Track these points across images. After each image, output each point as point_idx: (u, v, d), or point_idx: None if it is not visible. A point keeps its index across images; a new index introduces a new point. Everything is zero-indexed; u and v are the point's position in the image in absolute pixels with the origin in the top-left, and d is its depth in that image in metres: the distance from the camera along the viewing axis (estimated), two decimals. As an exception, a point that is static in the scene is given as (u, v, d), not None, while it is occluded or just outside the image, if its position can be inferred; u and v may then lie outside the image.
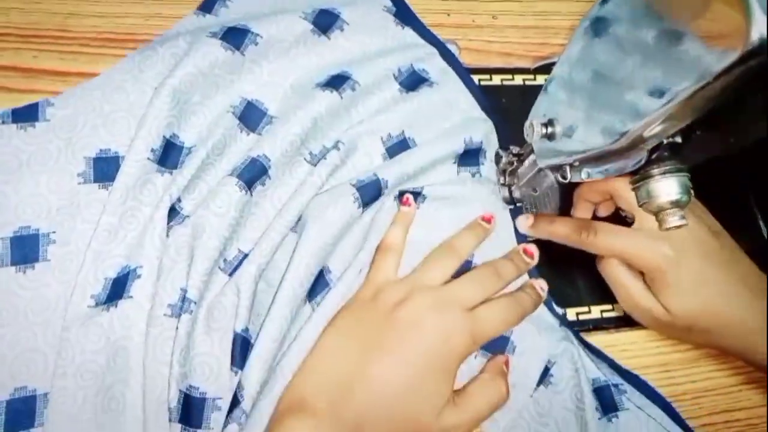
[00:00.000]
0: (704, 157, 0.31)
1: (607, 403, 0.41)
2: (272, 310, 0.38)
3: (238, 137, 0.42)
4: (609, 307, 0.45)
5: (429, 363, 0.36)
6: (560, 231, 0.42)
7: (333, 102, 0.43)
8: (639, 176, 0.32)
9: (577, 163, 0.35)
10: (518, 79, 0.50)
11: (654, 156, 0.31)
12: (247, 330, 0.38)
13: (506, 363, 0.40)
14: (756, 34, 0.22)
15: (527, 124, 0.36)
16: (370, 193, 0.41)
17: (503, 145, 0.46)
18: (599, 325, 0.45)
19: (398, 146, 0.44)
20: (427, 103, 0.45)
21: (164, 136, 0.40)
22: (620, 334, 0.45)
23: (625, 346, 0.44)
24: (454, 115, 0.46)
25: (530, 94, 0.49)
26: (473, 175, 0.45)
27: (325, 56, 0.45)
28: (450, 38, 0.49)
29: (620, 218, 0.43)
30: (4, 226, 0.38)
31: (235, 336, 0.38)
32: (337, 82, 0.44)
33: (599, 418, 0.40)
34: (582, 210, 0.45)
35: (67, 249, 0.39)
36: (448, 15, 0.51)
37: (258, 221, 0.41)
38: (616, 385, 0.41)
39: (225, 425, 0.36)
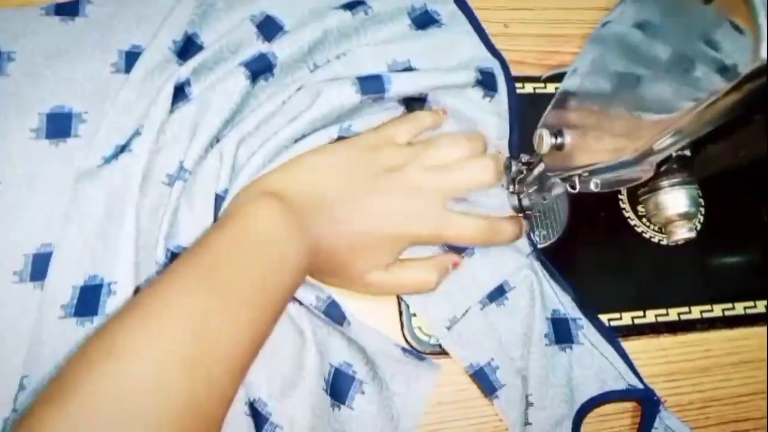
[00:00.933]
0: (714, 170, 0.31)
1: (562, 334, 0.43)
2: (256, 155, 0.41)
3: (254, 43, 0.45)
4: (617, 315, 0.45)
5: (387, 232, 0.39)
6: None
7: (344, 20, 0.45)
8: (648, 188, 0.32)
9: (586, 174, 0.35)
10: (528, 88, 0.50)
11: (663, 168, 0.31)
12: (226, 191, 0.41)
13: (454, 264, 0.43)
14: (764, 52, 0.22)
15: (536, 134, 0.36)
16: (371, 86, 0.43)
17: (513, 153, 0.47)
18: (629, 332, 0.45)
19: (403, 72, 0.46)
20: (434, 42, 0.47)
21: (186, 32, 0.44)
22: (628, 342, 0.45)
23: (633, 355, 0.44)
24: (460, 54, 0.48)
25: (540, 102, 0.49)
26: (484, 97, 0.47)
27: None
28: (462, 46, 0.49)
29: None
30: (41, 103, 0.41)
31: (216, 197, 0.41)
32: (352, 5, 0.46)
33: (547, 345, 0.42)
34: None
35: (96, 128, 0.42)
36: (460, 23, 0.51)
37: (254, 114, 0.44)
38: (574, 320, 0.43)
39: None
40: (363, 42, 0.46)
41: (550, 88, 0.50)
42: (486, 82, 0.47)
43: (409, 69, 0.46)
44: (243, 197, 0.39)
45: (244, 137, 0.42)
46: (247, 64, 0.43)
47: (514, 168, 0.44)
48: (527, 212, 0.45)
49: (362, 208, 0.39)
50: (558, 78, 0.50)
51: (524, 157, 0.44)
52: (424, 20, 0.48)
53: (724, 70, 0.23)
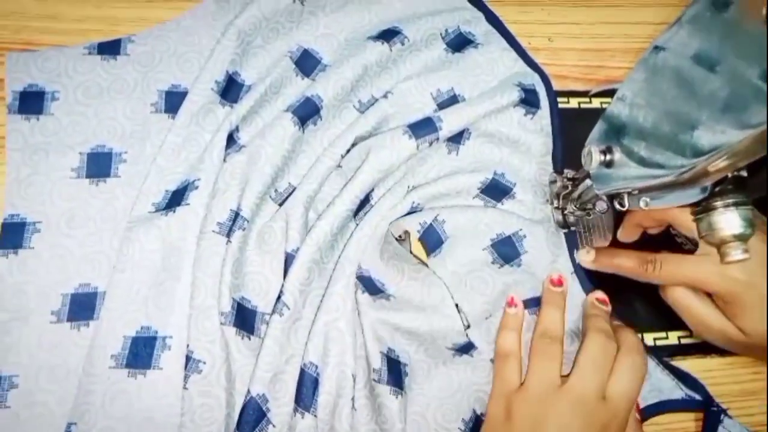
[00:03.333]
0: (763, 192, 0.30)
1: None
2: (317, 225, 0.42)
3: (294, 80, 0.46)
4: (663, 335, 0.45)
5: None
6: (624, 264, 0.42)
7: (383, 53, 0.46)
8: (701, 207, 0.32)
9: (636, 192, 0.35)
10: (573, 102, 0.50)
11: (718, 189, 0.31)
12: (297, 249, 0.41)
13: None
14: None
15: (585, 150, 0.36)
16: (423, 130, 0.44)
17: (558, 168, 0.46)
18: (675, 352, 0.45)
19: (448, 101, 0.47)
20: (473, 63, 0.48)
21: (227, 71, 0.45)
22: (673, 362, 0.44)
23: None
24: (501, 73, 0.48)
25: (585, 117, 0.49)
26: (525, 114, 0.47)
27: (379, 13, 0.49)
28: (505, 61, 0.50)
29: (671, 240, 0.43)
30: (83, 143, 0.43)
31: (287, 256, 0.41)
32: (387, 35, 0.47)
33: None
34: (629, 232, 0.45)
35: (136, 168, 0.43)
36: (504, 37, 0.51)
37: (308, 158, 0.45)
38: None
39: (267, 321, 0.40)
40: (403, 72, 0.47)
41: (596, 102, 0.50)
42: (528, 99, 0.47)
43: (454, 97, 0.47)
44: None
45: (310, 196, 0.43)
46: (295, 110, 0.44)
47: (558, 184, 0.44)
48: (571, 228, 0.45)
49: None
50: (605, 94, 0.49)
51: (569, 173, 0.44)
52: (458, 42, 0.49)
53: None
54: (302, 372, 0.39)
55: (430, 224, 0.44)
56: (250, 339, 0.40)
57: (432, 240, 0.44)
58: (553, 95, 0.48)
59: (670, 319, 0.42)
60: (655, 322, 0.46)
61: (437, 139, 0.44)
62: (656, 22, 0.52)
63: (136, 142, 0.43)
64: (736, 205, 0.31)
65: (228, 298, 0.40)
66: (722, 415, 0.41)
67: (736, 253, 0.31)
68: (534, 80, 0.48)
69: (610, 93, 0.49)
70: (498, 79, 0.48)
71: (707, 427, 0.41)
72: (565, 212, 0.45)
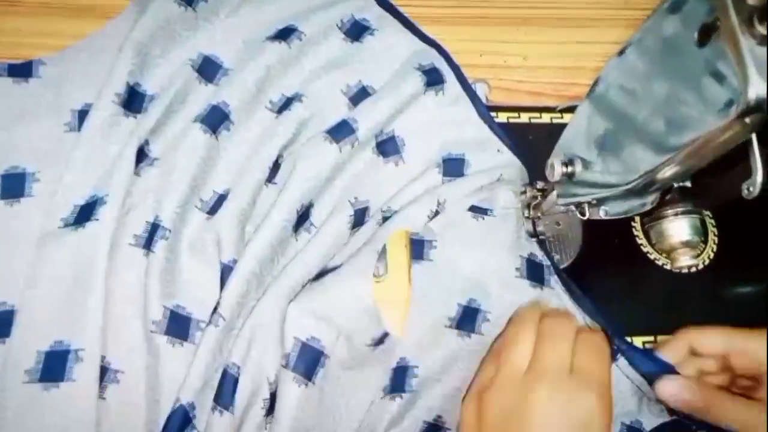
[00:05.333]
0: (715, 202, 0.32)
1: None
2: (255, 238, 0.42)
3: (198, 87, 0.47)
4: (628, 340, 0.46)
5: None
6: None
7: (282, 51, 0.48)
8: (653, 216, 0.34)
9: (594, 201, 0.37)
10: (545, 118, 0.52)
11: (667, 197, 0.33)
12: (235, 261, 0.42)
13: None
14: (753, 93, 0.24)
15: (548, 163, 0.38)
16: (341, 132, 0.46)
17: (530, 180, 0.48)
18: None
19: (359, 94, 0.49)
20: (372, 52, 0.50)
21: (127, 82, 0.45)
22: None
23: None
24: (401, 54, 0.50)
25: (557, 132, 0.50)
26: (436, 93, 0.49)
27: (273, 13, 0.50)
28: (481, 77, 0.52)
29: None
30: None
31: (223, 267, 0.42)
32: (284, 34, 0.49)
33: None
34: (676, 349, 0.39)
35: (51, 187, 0.43)
36: (480, 55, 0.53)
37: (228, 164, 0.46)
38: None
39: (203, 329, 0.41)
40: (306, 67, 0.49)
41: (567, 118, 0.52)
42: (432, 79, 0.49)
43: (363, 89, 0.49)
44: None
45: (244, 209, 0.44)
46: (203, 120, 0.45)
47: (528, 194, 0.46)
48: (541, 237, 0.47)
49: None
50: (573, 109, 0.51)
51: (539, 184, 0.46)
52: (355, 30, 0.51)
53: (715, 109, 0.25)
54: (224, 372, 0.40)
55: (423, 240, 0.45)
56: (182, 345, 0.41)
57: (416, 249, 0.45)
58: (452, 62, 0.51)
59: (648, 325, 0.44)
60: (628, 328, 0.46)
61: (357, 140, 0.46)
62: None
63: (50, 162, 0.44)
64: (685, 213, 0.33)
65: (158, 307, 0.41)
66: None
67: (684, 258, 0.33)
68: (431, 56, 0.50)
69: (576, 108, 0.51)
70: (400, 62, 0.50)
71: None
72: (536, 222, 0.47)
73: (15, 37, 0.48)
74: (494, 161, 0.49)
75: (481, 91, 0.51)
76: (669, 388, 0.37)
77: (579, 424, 0.32)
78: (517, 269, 0.44)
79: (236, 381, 0.40)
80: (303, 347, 0.40)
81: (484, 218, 0.46)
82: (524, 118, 0.52)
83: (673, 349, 0.39)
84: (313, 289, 0.43)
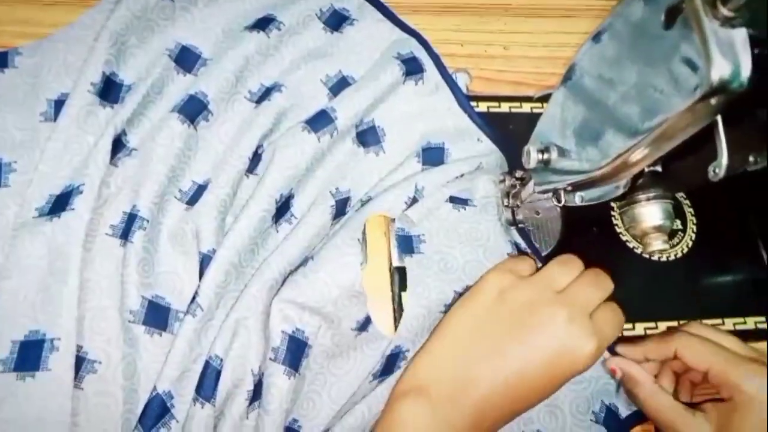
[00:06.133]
0: (685, 186, 0.33)
1: None
2: (234, 228, 0.42)
3: (176, 78, 0.47)
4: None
5: (559, 370, 0.36)
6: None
7: (261, 41, 0.48)
8: (626, 201, 0.34)
9: (569, 188, 0.37)
10: (526, 107, 0.52)
11: (639, 182, 0.33)
12: (214, 251, 0.42)
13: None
14: (716, 75, 0.24)
15: (524, 150, 0.39)
16: (320, 122, 0.46)
17: (510, 169, 0.49)
18: None
19: (339, 84, 0.49)
20: (352, 42, 0.50)
21: (103, 72, 0.45)
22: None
23: None
24: (380, 44, 0.50)
25: (536, 121, 0.51)
26: (416, 83, 0.49)
27: (252, 2, 0.50)
28: (462, 67, 0.52)
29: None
30: None
31: (203, 257, 0.42)
32: (263, 23, 0.48)
33: None
34: (664, 351, 0.41)
35: (26, 177, 0.43)
36: (462, 45, 0.54)
37: (207, 154, 0.46)
38: None
39: (181, 318, 0.41)
40: (287, 57, 0.49)
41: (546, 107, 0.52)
42: (411, 68, 0.49)
43: (343, 79, 0.49)
44: (391, 398, 0.38)
45: (224, 200, 0.44)
46: (180, 110, 0.45)
47: (507, 182, 0.46)
48: (520, 225, 0.47)
49: (515, 365, 0.36)
50: (550, 98, 0.52)
51: (518, 173, 0.46)
52: (335, 20, 0.51)
53: (682, 91, 0.26)
54: (207, 364, 0.40)
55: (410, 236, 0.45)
56: (161, 336, 0.41)
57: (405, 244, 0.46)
58: (432, 51, 0.51)
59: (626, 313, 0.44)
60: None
61: (336, 130, 0.46)
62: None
63: (25, 152, 0.44)
64: (657, 198, 0.33)
65: (136, 297, 0.41)
66: None
67: (656, 243, 0.33)
68: (411, 45, 0.50)
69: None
70: (379, 51, 0.50)
71: None
72: (515, 210, 0.47)
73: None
74: (474, 150, 0.49)
75: (462, 80, 0.52)
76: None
77: (569, 357, 0.35)
78: (509, 254, 0.45)
79: (218, 373, 0.40)
80: (290, 340, 0.41)
81: (465, 209, 0.46)
82: (504, 107, 0.52)
83: (660, 350, 0.40)
84: (294, 280, 0.43)
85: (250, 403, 0.40)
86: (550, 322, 0.36)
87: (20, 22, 0.48)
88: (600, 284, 0.38)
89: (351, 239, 0.43)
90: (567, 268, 0.39)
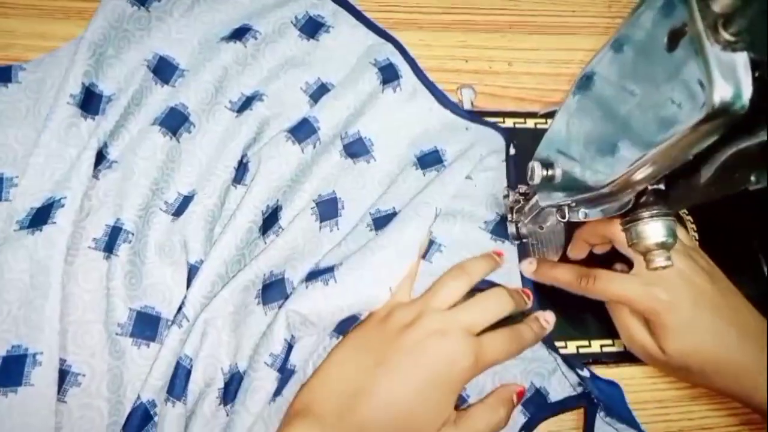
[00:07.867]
0: (688, 203, 0.33)
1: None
2: (221, 239, 0.43)
3: (154, 89, 0.47)
4: (609, 342, 0.47)
5: (432, 384, 0.38)
6: (562, 277, 0.45)
7: (238, 51, 0.48)
8: (629, 218, 0.34)
9: (574, 204, 0.37)
10: (530, 123, 0.53)
11: (642, 200, 0.33)
12: (202, 262, 0.43)
13: (519, 394, 0.42)
14: (717, 97, 0.24)
15: (529, 166, 0.39)
16: (303, 132, 0.46)
17: (513, 184, 0.49)
18: (599, 359, 0.47)
19: (319, 91, 0.50)
20: (328, 49, 0.51)
21: (83, 83, 0.45)
22: (619, 369, 0.46)
23: (623, 381, 0.45)
24: (357, 49, 0.51)
25: (541, 136, 0.52)
26: (394, 90, 0.50)
27: (228, 12, 0.50)
28: (467, 83, 0.53)
29: (620, 258, 0.45)
30: None
31: (191, 267, 0.43)
32: (239, 33, 0.49)
33: None
34: (578, 249, 0.48)
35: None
36: (466, 61, 0.54)
37: (191, 166, 0.46)
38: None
39: (169, 327, 0.41)
40: (264, 66, 0.49)
41: (551, 123, 0.52)
42: (387, 76, 0.50)
43: (323, 86, 0.50)
44: (284, 418, 0.39)
45: (212, 211, 0.44)
46: (161, 122, 0.45)
47: (511, 198, 0.47)
48: (524, 240, 0.48)
49: (394, 378, 0.38)
50: (555, 114, 0.52)
51: (522, 188, 0.47)
52: (310, 27, 0.51)
53: (684, 112, 0.26)
54: (177, 364, 0.40)
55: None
56: (149, 347, 0.41)
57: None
58: (408, 55, 0.52)
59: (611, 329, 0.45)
60: (595, 331, 0.48)
61: (319, 140, 0.46)
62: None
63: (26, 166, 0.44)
64: (660, 215, 0.33)
65: (124, 310, 0.41)
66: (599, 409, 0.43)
67: (659, 260, 0.33)
68: (386, 50, 0.51)
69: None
70: (356, 57, 0.51)
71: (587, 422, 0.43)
72: (519, 225, 0.47)
73: (7, 38, 0.49)
74: (466, 139, 0.50)
75: (467, 96, 0.52)
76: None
77: (445, 369, 0.38)
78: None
79: (188, 372, 0.40)
80: (289, 348, 0.42)
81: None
82: (509, 123, 0.53)
83: (576, 250, 0.48)
84: (305, 294, 0.42)
85: (224, 403, 0.40)
86: (426, 337, 0.39)
87: (32, 35, 0.49)
88: (490, 306, 0.42)
89: (365, 261, 0.43)
90: (457, 283, 0.43)
